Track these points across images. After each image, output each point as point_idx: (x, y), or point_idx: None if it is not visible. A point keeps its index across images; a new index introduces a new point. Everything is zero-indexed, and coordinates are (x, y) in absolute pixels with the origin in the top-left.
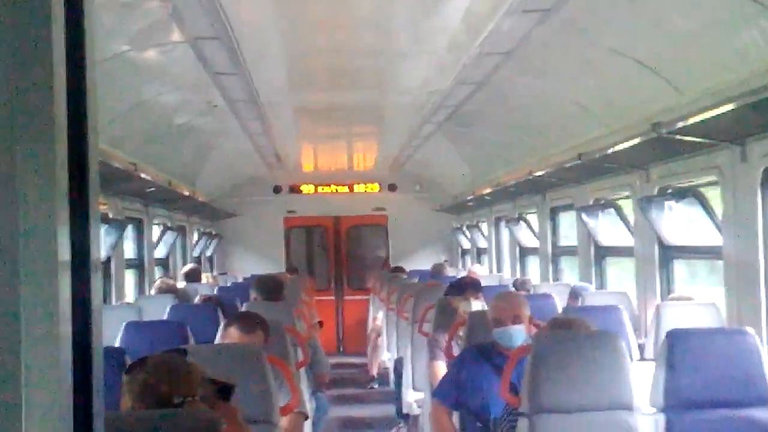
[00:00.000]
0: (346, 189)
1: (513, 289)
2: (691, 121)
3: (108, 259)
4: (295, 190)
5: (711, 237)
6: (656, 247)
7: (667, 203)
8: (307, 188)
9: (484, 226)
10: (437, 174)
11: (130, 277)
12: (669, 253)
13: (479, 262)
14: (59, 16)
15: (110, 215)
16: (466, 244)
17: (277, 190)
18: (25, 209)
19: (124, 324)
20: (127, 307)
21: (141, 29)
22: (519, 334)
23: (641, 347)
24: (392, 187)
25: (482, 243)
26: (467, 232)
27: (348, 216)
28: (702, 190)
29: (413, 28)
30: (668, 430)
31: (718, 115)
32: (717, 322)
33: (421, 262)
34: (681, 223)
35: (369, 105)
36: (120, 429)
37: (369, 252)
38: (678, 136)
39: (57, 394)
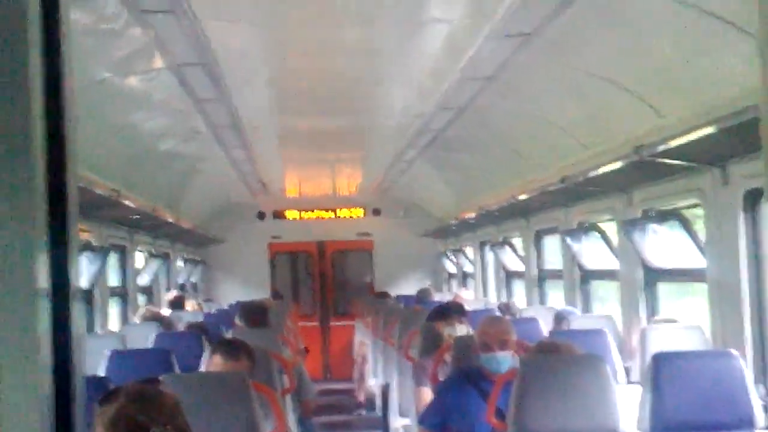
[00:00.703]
0: (330, 214)
1: (498, 313)
2: (673, 144)
3: (91, 288)
4: (279, 215)
5: (694, 259)
6: (640, 270)
7: (650, 226)
8: (291, 214)
9: (469, 251)
10: (421, 198)
11: (114, 305)
12: (653, 276)
13: (465, 286)
14: (36, 42)
15: (93, 242)
16: (452, 269)
17: (261, 215)
18: (2, 236)
19: (108, 353)
20: (111, 336)
21: (124, 56)
22: (506, 360)
23: (627, 370)
24: (377, 212)
25: (468, 267)
26: (452, 257)
27: (333, 241)
28: (684, 212)
29: (396, 53)
30: None
31: (699, 138)
32: (702, 344)
33: (407, 287)
34: (665, 246)
35: (353, 130)
36: None
37: (354, 277)
38: (660, 159)
39: (37, 424)
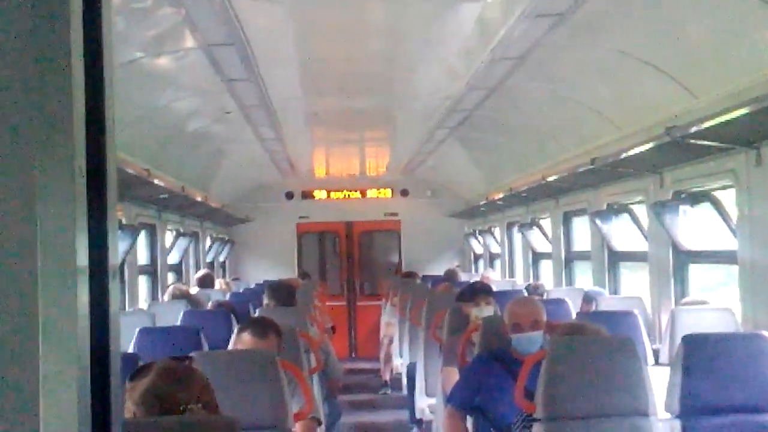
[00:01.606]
0: (358, 194)
1: (526, 293)
2: (706, 125)
3: (122, 265)
4: (307, 195)
5: (726, 241)
6: (670, 252)
7: (681, 207)
8: (319, 194)
9: (496, 231)
10: (449, 179)
11: (143, 283)
12: (683, 257)
13: (492, 267)
14: (77, 21)
15: (123, 221)
16: (479, 249)
17: (289, 195)
18: (43, 215)
19: (137, 330)
20: (140, 313)
21: (154, 35)
22: (537, 340)
23: (656, 352)
24: (404, 193)
25: (495, 248)
26: (480, 237)
27: (360, 221)
28: (717, 194)
29: (425, 34)
30: None
31: (732, 119)
32: (732, 326)
33: (434, 267)
34: (696, 227)
35: (381, 110)
36: None
37: (381, 257)
38: (692, 140)
39: (76, 400)
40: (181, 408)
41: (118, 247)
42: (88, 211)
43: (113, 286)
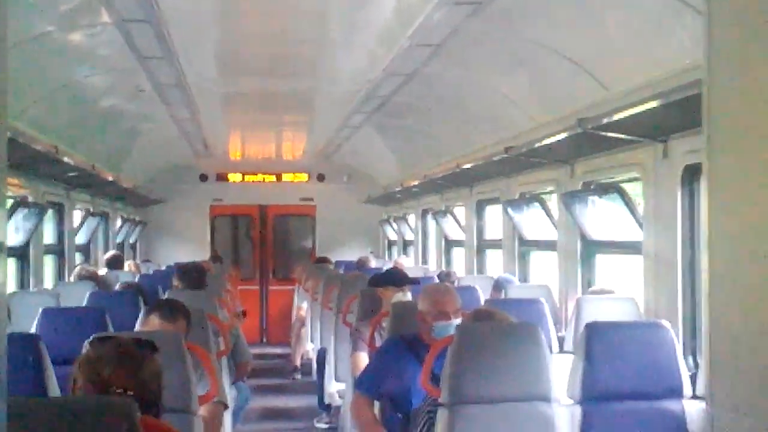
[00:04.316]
0: (273, 178)
1: (437, 280)
2: (616, 117)
3: (26, 244)
4: (221, 178)
5: (632, 232)
6: (578, 242)
7: (590, 198)
8: (234, 177)
9: (411, 218)
10: (366, 165)
11: (49, 263)
12: (591, 247)
13: (405, 253)
14: None
15: (30, 199)
16: (393, 236)
17: (203, 177)
18: None
19: (40, 310)
20: (44, 293)
21: (67, 9)
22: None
23: (561, 340)
24: (321, 178)
25: (409, 235)
26: (394, 224)
27: (275, 205)
28: (624, 186)
29: (346, 17)
30: (585, 422)
31: (641, 112)
32: (635, 315)
33: (348, 253)
34: (604, 218)
35: (299, 93)
36: (20, 415)
37: (295, 242)
38: (602, 132)
39: None
40: (117, 390)
41: (5, 223)
42: None
43: (1, 263)
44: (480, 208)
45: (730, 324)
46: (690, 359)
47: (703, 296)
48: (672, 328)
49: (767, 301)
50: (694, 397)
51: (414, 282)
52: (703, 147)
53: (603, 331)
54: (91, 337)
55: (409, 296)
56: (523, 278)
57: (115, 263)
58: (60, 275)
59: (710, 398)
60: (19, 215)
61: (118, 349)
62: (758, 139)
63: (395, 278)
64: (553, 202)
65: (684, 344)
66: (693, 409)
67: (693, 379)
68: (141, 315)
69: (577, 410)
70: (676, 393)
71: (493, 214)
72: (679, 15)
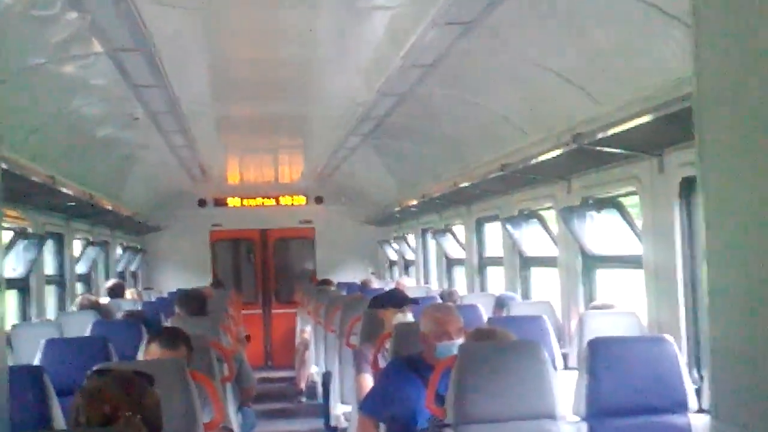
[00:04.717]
0: (272, 202)
1: (440, 300)
2: (610, 132)
3: (27, 275)
4: (220, 203)
5: (632, 246)
6: (579, 257)
7: (588, 213)
8: (232, 201)
9: (410, 238)
10: (364, 186)
11: (51, 294)
12: (591, 262)
13: (407, 273)
14: None
15: (29, 230)
16: (394, 256)
17: (202, 203)
18: None
19: (43, 341)
20: (47, 324)
21: (60, 40)
22: None
23: (565, 356)
24: (319, 200)
25: (409, 255)
26: (394, 244)
27: (275, 229)
28: (622, 200)
29: (337, 40)
30: None
31: (635, 126)
32: (638, 329)
33: (349, 274)
34: (603, 232)
35: (294, 116)
36: None
37: (296, 265)
38: (598, 147)
39: None
40: (120, 415)
41: (2, 255)
42: None
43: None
44: (479, 225)
45: (732, 337)
46: (695, 372)
47: (704, 309)
48: (675, 342)
49: None
50: (700, 410)
51: (413, 302)
52: (697, 160)
53: (606, 346)
54: (89, 372)
55: (410, 317)
56: (525, 295)
57: (116, 292)
58: (62, 305)
59: (715, 411)
60: (19, 246)
61: (121, 377)
62: (749, 151)
63: (395, 299)
64: (552, 218)
65: (688, 357)
66: (699, 423)
67: (698, 392)
68: (142, 343)
69: (583, 427)
70: (682, 407)
71: (493, 231)
72: (668, 28)
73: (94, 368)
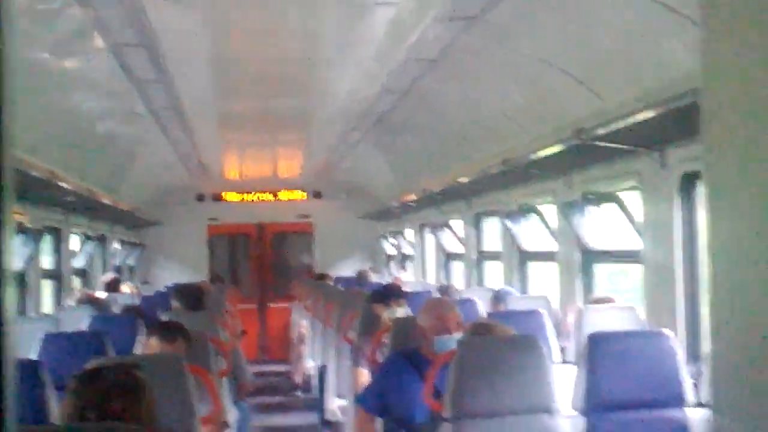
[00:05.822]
0: (271, 196)
1: (437, 294)
2: (613, 127)
3: (24, 270)
4: (218, 197)
5: (631, 241)
6: (578, 252)
7: (588, 208)
8: (231, 196)
9: (408, 233)
10: (363, 181)
11: (48, 288)
12: (590, 257)
13: (404, 268)
14: None
15: (27, 224)
16: (391, 251)
17: (200, 198)
18: None
19: (41, 336)
20: (44, 319)
21: (62, 36)
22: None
23: (563, 350)
24: (318, 195)
25: (407, 249)
26: (393, 239)
27: (272, 223)
28: (622, 195)
29: (340, 36)
30: None
31: (638, 121)
32: (636, 324)
33: (347, 269)
34: (602, 227)
35: (295, 112)
36: None
37: (294, 259)
38: (599, 143)
39: None
40: (115, 409)
41: (12, 250)
42: None
43: (7, 291)
44: (478, 220)
45: (733, 331)
46: (692, 367)
47: (705, 304)
48: (673, 336)
49: None
50: (698, 404)
51: (403, 296)
52: (701, 155)
53: (605, 340)
54: (80, 371)
55: (402, 311)
56: (523, 289)
57: (113, 286)
58: (59, 300)
59: (714, 406)
60: (17, 241)
61: (116, 384)
62: (757, 146)
63: (389, 294)
64: (551, 212)
65: (686, 352)
66: (697, 417)
67: (696, 386)
68: (140, 338)
69: (582, 421)
70: (680, 401)
71: (491, 226)
72: (671, 24)
73: (86, 365)
